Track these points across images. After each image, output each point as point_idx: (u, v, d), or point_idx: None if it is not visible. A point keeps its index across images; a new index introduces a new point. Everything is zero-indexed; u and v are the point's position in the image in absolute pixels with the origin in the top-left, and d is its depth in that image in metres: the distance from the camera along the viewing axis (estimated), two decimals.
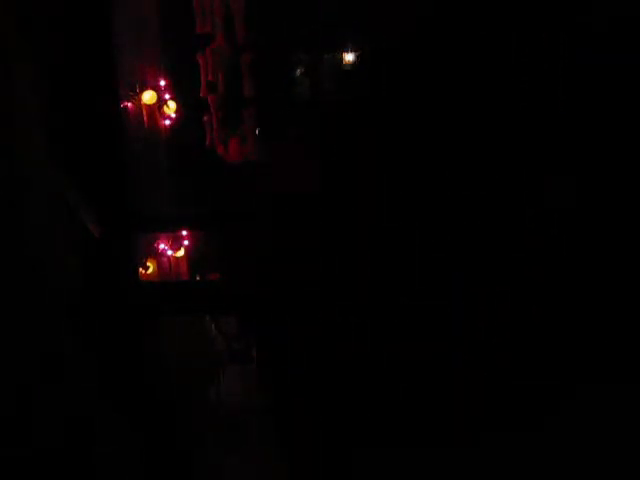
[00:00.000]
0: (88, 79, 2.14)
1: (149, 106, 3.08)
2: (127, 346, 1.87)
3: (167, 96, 3.19)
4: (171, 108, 3.36)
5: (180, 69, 3.17)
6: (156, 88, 3.15)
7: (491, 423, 0.70)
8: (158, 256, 3.35)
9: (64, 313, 2.05)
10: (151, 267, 3.17)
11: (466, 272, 0.70)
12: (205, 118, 3.27)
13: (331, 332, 0.69)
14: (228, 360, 3.01)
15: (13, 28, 2.00)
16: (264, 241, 0.71)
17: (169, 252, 3.43)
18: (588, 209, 0.73)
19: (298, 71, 2.89)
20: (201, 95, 3.18)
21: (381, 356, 0.69)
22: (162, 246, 3.40)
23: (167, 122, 3.42)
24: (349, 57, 2.54)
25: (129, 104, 3.00)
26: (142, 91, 3.08)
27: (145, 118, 3.08)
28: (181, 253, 3.53)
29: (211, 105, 3.17)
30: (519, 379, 0.71)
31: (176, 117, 3.41)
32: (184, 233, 3.52)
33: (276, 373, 0.69)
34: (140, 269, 2.99)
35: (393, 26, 0.78)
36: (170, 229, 3.18)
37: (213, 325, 3.11)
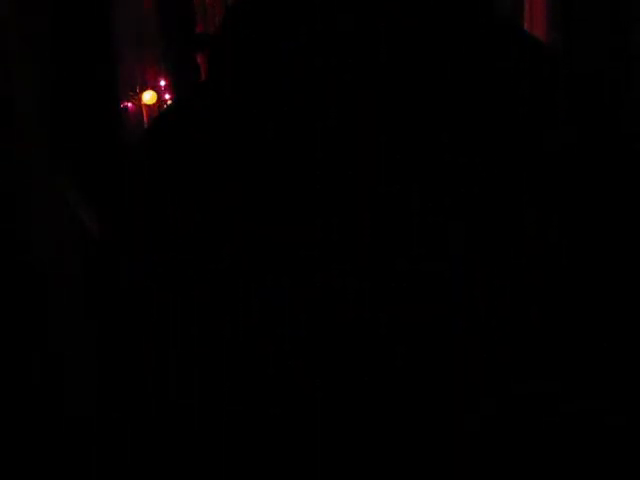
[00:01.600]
0: (88, 79, 2.14)
1: (149, 106, 3.08)
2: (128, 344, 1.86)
3: (167, 96, 3.19)
4: None
5: (180, 69, 3.17)
6: (156, 88, 3.15)
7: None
8: None
9: (65, 314, 2.04)
10: None
11: (466, 238, 0.70)
12: None
13: (329, 295, 0.68)
14: None
15: (13, 28, 2.00)
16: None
17: None
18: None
19: None
20: None
21: (379, 319, 0.69)
22: None
23: None
24: None
25: (129, 104, 3.00)
26: (142, 91, 3.07)
27: (145, 118, 3.08)
28: None
29: None
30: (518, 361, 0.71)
31: None
32: None
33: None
34: None
35: None
36: None
37: None
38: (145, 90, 3.09)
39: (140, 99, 3.06)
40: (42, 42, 2.13)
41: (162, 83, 3.18)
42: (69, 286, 2.01)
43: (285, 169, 0.73)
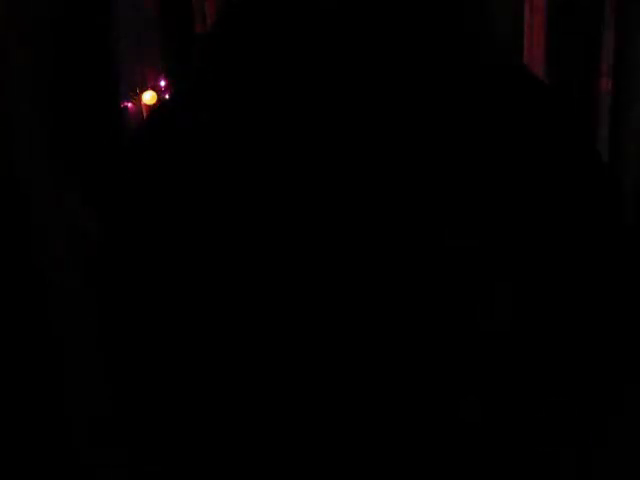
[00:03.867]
0: (88, 79, 2.14)
1: (149, 106, 3.08)
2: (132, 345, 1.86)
3: (167, 96, 3.19)
4: None
5: (180, 69, 3.17)
6: (156, 88, 3.15)
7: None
8: None
9: (65, 314, 2.05)
10: None
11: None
12: None
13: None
14: None
15: (13, 28, 2.00)
16: None
17: None
18: None
19: None
20: None
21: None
22: None
23: None
24: None
25: (129, 104, 3.00)
26: (142, 91, 3.08)
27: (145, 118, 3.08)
28: None
29: None
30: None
31: None
32: None
33: None
34: None
35: None
36: None
37: None
38: (145, 90, 3.09)
39: (140, 99, 3.06)
40: (42, 42, 2.13)
41: (162, 83, 3.18)
42: (69, 286, 2.01)
43: (283, 162, 0.73)
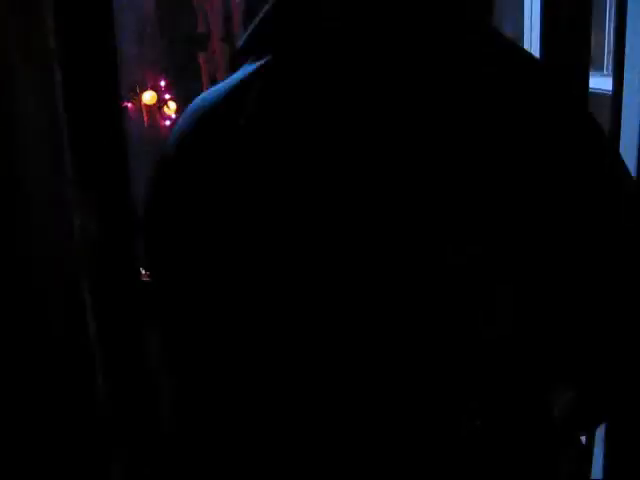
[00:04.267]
0: (88, 79, 2.14)
1: (149, 106, 3.08)
2: (128, 345, 1.87)
3: (167, 96, 3.20)
4: (171, 108, 3.35)
5: (180, 69, 3.18)
6: (156, 88, 3.15)
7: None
8: None
9: (64, 314, 2.05)
10: None
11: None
12: None
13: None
14: None
15: (14, 28, 2.00)
16: None
17: None
18: None
19: None
20: None
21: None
22: None
23: (167, 122, 3.42)
24: None
25: (129, 104, 3.00)
26: (142, 91, 3.08)
27: (145, 118, 3.08)
28: None
29: None
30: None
31: (176, 117, 3.42)
32: None
33: None
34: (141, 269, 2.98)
35: None
36: None
37: None
38: (145, 90, 3.09)
39: (140, 99, 3.06)
40: (42, 42, 2.13)
41: (162, 83, 3.18)
42: (69, 287, 2.01)
43: (289, 169, 0.74)
